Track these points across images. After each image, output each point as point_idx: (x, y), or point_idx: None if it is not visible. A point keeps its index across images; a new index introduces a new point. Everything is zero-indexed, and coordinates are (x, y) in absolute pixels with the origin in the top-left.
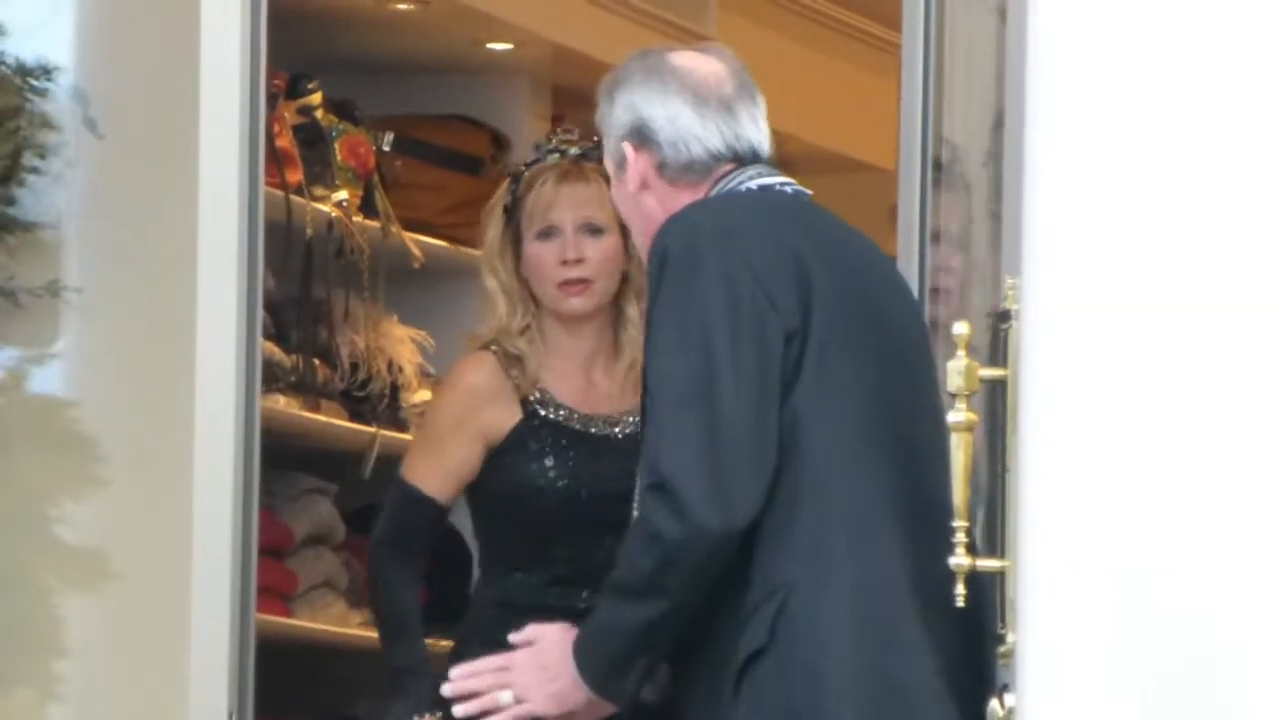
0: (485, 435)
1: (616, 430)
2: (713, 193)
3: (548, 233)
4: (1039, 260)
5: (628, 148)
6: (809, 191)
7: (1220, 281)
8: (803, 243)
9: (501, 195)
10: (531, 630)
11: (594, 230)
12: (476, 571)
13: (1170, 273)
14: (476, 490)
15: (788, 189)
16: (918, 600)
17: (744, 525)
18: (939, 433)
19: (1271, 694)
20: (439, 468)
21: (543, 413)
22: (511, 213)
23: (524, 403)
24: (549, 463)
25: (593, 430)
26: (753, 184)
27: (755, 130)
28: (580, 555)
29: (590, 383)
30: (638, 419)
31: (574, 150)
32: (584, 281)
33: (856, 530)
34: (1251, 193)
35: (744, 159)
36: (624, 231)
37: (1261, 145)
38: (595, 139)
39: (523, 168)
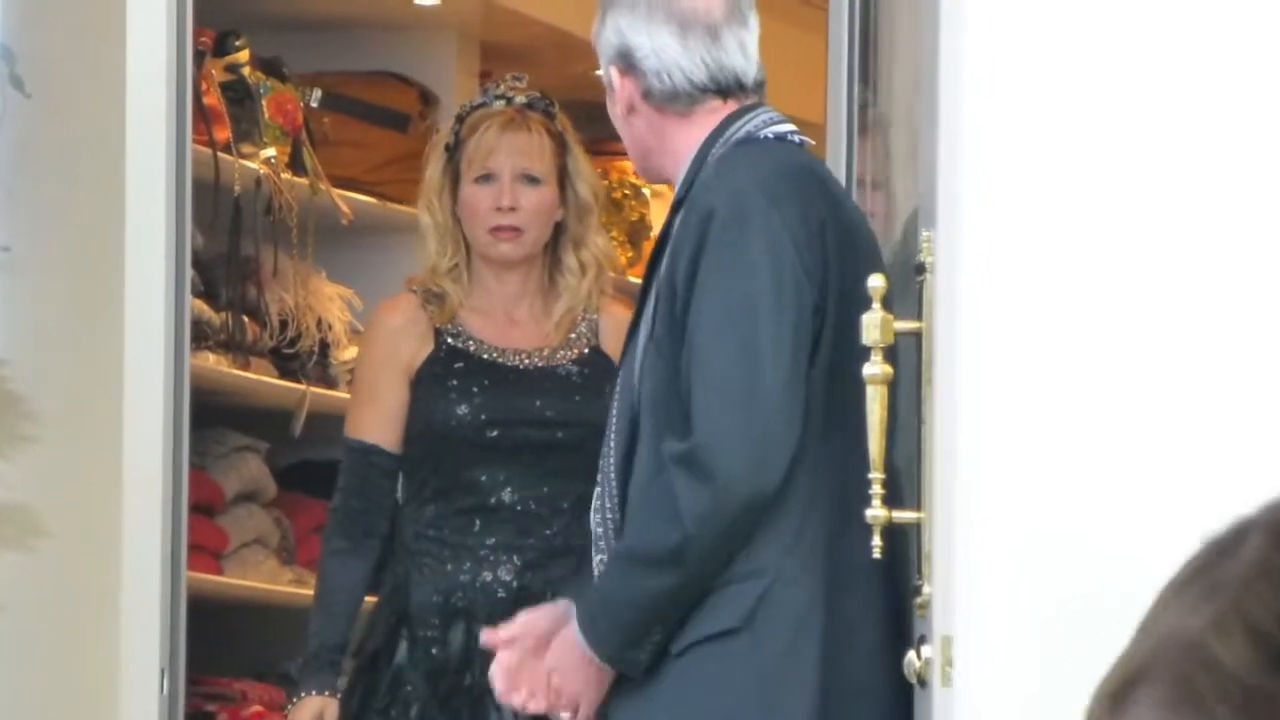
0: (407, 371)
1: (527, 360)
2: (728, 136)
3: (485, 178)
4: (957, 207)
5: (614, 72)
6: (811, 141)
7: (1139, 229)
8: (825, 211)
9: (445, 134)
10: (520, 627)
11: (531, 180)
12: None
13: (1088, 220)
14: None
15: (795, 139)
16: (885, 588)
17: (771, 495)
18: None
19: None
20: (379, 415)
21: (452, 342)
22: (452, 152)
23: (437, 334)
24: (453, 389)
25: (501, 361)
26: (769, 131)
27: (741, 58)
28: (490, 484)
29: (511, 322)
30: (556, 355)
31: (520, 99)
32: (515, 229)
33: (838, 520)
34: (1166, 140)
35: (728, 90)
36: (560, 183)
37: (1176, 92)
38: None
39: (469, 108)
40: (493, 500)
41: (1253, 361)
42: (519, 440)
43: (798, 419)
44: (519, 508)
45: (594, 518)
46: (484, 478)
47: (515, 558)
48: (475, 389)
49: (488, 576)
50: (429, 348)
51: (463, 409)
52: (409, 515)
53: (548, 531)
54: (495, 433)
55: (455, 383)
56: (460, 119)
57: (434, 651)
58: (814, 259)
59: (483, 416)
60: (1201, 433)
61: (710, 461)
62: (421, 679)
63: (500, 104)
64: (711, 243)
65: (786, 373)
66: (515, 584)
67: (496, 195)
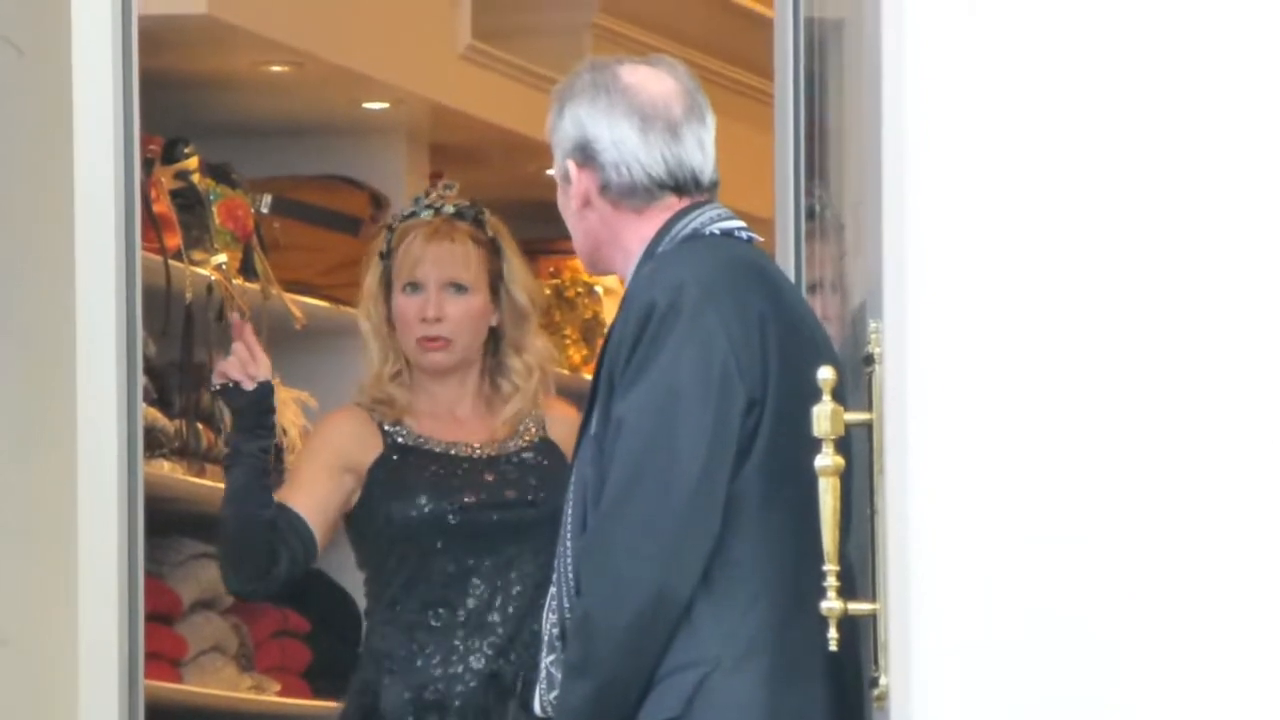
0: (354, 470)
1: (478, 451)
2: (675, 232)
3: (413, 286)
4: (904, 297)
5: (571, 165)
6: (760, 238)
7: (1084, 320)
8: (766, 307)
9: (379, 243)
10: None
11: (458, 288)
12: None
13: (1034, 310)
14: (356, 531)
15: (743, 235)
16: (832, 680)
17: (679, 599)
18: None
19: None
20: (307, 496)
21: (402, 441)
22: (386, 260)
23: (385, 436)
24: (410, 482)
25: (452, 451)
26: (715, 228)
27: (699, 155)
28: (455, 573)
29: (456, 421)
30: (507, 445)
31: (449, 208)
32: (443, 340)
33: (784, 613)
34: (1109, 229)
35: (684, 188)
36: (491, 290)
37: (1119, 182)
38: (471, 200)
39: (400, 218)
40: (459, 588)
41: (1203, 439)
42: (481, 524)
43: (711, 520)
44: (485, 594)
45: (549, 618)
46: (450, 566)
47: (485, 645)
48: (431, 478)
49: (459, 667)
50: (378, 449)
51: (422, 499)
52: (377, 617)
53: (513, 616)
54: (457, 519)
55: (411, 476)
56: (391, 228)
57: None
58: (750, 354)
59: (444, 504)
60: (1158, 526)
61: (609, 557)
62: None
63: (429, 214)
64: (646, 336)
65: (700, 469)
66: (486, 671)
67: (422, 305)
